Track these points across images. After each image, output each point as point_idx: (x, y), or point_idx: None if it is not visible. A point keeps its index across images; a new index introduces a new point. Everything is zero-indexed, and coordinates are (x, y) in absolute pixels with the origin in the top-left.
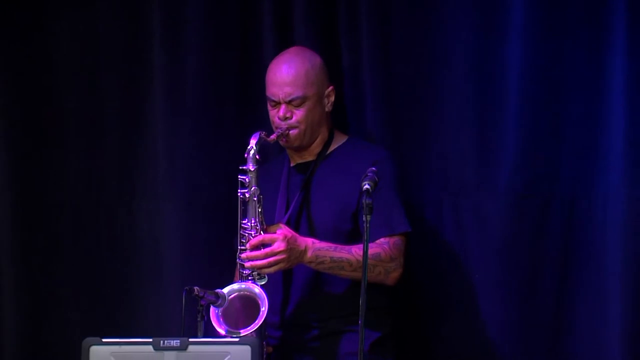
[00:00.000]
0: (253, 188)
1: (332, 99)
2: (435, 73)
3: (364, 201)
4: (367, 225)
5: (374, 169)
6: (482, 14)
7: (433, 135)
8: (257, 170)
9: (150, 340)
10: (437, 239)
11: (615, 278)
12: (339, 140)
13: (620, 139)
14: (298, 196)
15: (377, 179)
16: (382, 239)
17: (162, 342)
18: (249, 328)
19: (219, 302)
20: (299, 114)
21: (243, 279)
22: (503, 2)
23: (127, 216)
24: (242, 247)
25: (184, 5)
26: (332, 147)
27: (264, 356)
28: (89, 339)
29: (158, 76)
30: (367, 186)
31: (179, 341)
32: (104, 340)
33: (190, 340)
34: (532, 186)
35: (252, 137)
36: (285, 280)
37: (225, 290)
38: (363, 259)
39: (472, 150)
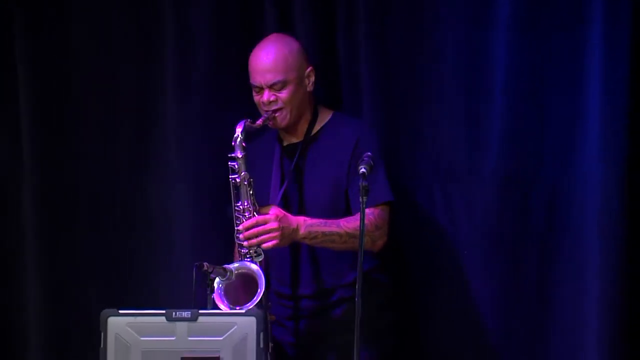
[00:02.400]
0: (243, 173)
1: (313, 79)
2: (428, 68)
3: (360, 184)
4: (364, 206)
5: (369, 153)
6: (472, 15)
7: (425, 126)
8: (245, 157)
9: (164, 311)
10: (429, 221)
11: (593, 252)
12: (324, 118)
13: (596, 128)
14: (290, 177)
15: (372, 164)
16: (367, 210)
17: (174, 313)
18: (248, 305)
19: (227, 276)
20: (282, 97)
21: (242, 257)
22: (491, 4)
23: (141, 197)
24: (238, 228)
25: (191, 7)
26: (318, 127)
27: (269, 326)
28: (107, 311)
29: (169, 71)
30: (363, 170)
31: (189, 313)
32: (120, 311)
33: (200, 312)
34: (517, 171)
35: (238, 126)
36: (293, 254)
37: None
38: (359, 238)
39: (461, 139)
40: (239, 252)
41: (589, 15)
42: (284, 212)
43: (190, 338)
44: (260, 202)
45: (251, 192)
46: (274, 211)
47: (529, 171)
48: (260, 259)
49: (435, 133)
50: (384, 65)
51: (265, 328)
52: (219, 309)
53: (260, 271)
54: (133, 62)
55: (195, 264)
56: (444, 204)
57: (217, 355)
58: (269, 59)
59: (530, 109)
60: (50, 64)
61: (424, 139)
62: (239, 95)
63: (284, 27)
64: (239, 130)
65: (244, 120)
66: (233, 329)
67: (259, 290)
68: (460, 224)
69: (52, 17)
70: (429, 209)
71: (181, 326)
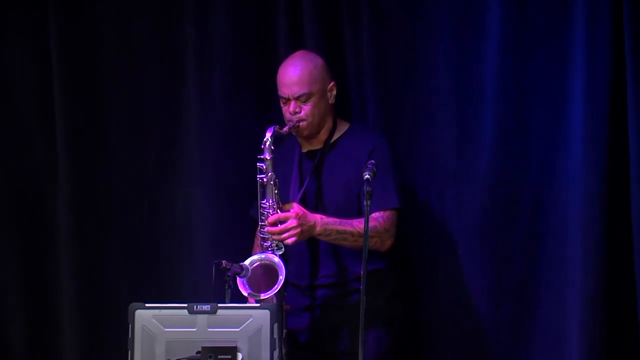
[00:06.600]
0: (270, 173)
1: (334, 93)
2: (425, 78)
3: (364, 188)
4: (368, 209)
5: (373, 161)
6: (464, 29)
7: (422, 131)
8: (272, 159)
9: (186, 305)
10: (425, 219)
11: (574, 251)
12: (342, 128)
13: (579, 136)
14: (309, 180)
15: (375, 170)
16: (377, 213)
17: (195, 306)
18: (269, 292)
19: (243, 273)
20: (306, 108)
21: (264, 249)
22: (481, 19)
23: (165, 199)
24: (263, 223)
25: (211, 23)
26: (337, 135)
27: (283, 314)
28: (134, 304)
29: (191, 80)
30: (367, 176)
31: (209, 306)
32: (147, 305)
33: (219, 305)
34: (505, 176)
35: (268, 130)
36: (311, 248)
37: (249, 260)
38: (364, 238)
39: (454, 145)
40: (262, 245)
41: (572, 30)
42: (304, 210)
43: (209, 329)
44: (282, 199)
45: (276, 191)
46: (294, 209)
47: (516, 174)
48: (281, 252)
49: (431, 138)
50: (386, 77)
51: (280, 319)
52: (240, 297)
53: (281, 262)
54: (158, 77)
55: (215, 261)
56: (439, 205)
57: (235, 345)
58: (296, 73)
59: (517, 117)
60: (83, 82)
61: (420, 143)
62: (255, 105)
63: (295, 42)
64: (268, 135)
65: (273, 126)
66: (249, 321)
67: (280, 278)
68: (454, 223)
69: (84, 39)
70: (425, 208)
71: (201, 318)
